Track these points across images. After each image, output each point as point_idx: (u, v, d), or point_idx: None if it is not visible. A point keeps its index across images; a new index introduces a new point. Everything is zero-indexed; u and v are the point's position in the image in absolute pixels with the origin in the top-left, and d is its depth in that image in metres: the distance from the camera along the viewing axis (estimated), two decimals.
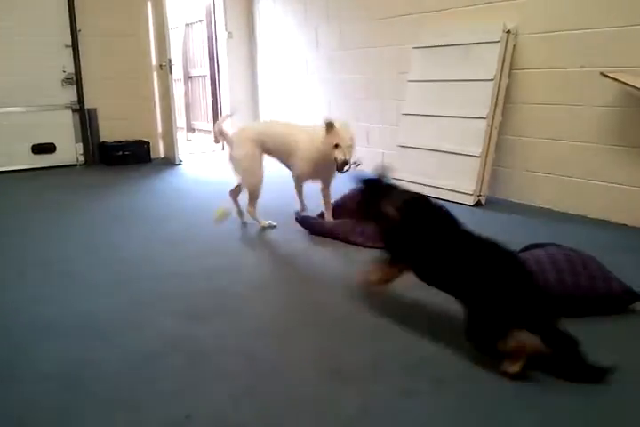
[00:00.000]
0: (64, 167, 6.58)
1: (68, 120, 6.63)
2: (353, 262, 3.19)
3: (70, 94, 6.67)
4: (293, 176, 3.88)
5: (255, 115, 7.94)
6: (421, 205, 2.32)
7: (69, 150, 6.67)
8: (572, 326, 2.29)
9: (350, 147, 3.45)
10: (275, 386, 1.93)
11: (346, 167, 3.43)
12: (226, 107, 7.90)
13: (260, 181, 3.81)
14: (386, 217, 2.26)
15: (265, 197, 3.93)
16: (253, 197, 3.83)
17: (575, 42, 3.92)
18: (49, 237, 3.82)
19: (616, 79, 3.54)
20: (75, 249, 3.55)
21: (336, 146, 3.41)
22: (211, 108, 8.58)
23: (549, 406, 1.79)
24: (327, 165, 3.54)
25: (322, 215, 3.91)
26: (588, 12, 3.82)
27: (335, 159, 3.42)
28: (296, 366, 2.07)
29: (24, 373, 2.05)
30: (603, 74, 3.59)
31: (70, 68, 6.62)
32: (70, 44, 6.57)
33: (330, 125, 3.43)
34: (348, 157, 3.40)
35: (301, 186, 3.94)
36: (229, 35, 7.62)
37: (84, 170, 6.60)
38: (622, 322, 2.36)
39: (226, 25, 7.60)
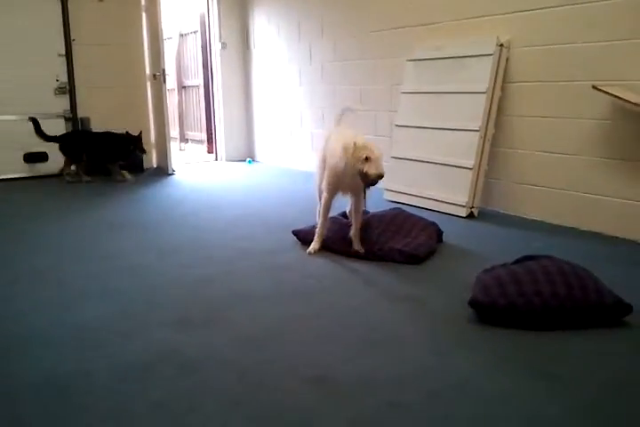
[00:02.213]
0: (56, 176, 6.54)
1: (60, 129, 6.59)
2: (346, 272, 3.18)
3: (63, 103, 6.66)
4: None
5: (249, 125, 7.96)
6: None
7: (62, 159, 6.63)
8: (565, 339, 2.30)
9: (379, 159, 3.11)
10: (263, 398, 1.91)
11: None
12: (219, 117, 7.92)
13: (318, 186, 3.67)
14: None
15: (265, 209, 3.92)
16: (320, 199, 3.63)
17: (567, 55, 3.95)
18: (39, 247, 3.79)
19: (607, 92, 3.56)
20: (65, 258, 3.52)
21: (366, 159, 3.06)
22: (204, 118, 8.59)
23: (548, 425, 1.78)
24: (353, 178, 3.23)
25: (344, 215, 3.87)
26: (579, 25, 3.86)
27: (365, 173, 3.07)
28: (285, 378, 2.04)
29: (12, 384, 2.02)
30: (594, 87, 3.62)
31: (64, 78, 6.62)
32: (64, 53, 6.57)
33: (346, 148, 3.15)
34: (381, 171, 3.06)
35: (324, 203, 3.49)
36: (223, 45, 7.65)
37: (76, 179, 6.57)
38: (614, 334, 2.35)
39: (220, 36, 7.64)
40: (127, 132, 6.30)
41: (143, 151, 6.46)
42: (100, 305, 2.74)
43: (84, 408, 1.86)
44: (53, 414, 1.84)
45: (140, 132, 6.36)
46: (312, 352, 2.25)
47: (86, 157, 6.24)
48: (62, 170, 6.32)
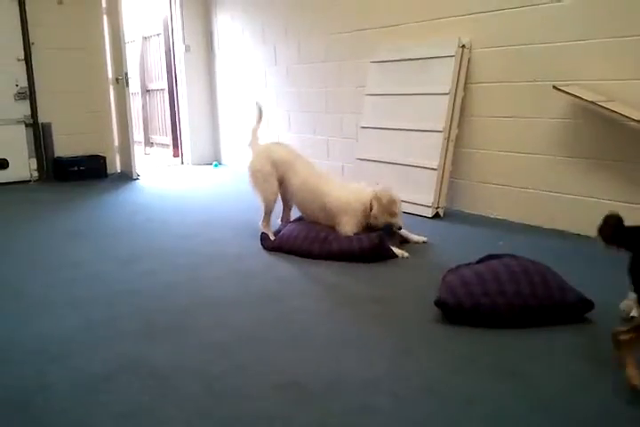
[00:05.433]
0: (17, 183, 6.41)
1: (21, 135, 6.46)
2: (312, 276, 3.17)
3: (23, 109, 6.51)
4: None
5: (214, 129, 7.90)
6: None
7: (23, 166, 6.50)
8: (530, 337, 2.33)
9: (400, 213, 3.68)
10: (232, 406, 1.89)
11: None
12: (184, 121, 7.84)
13: (274, 195, 3.89)
14: None
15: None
16: (266, 212, 3.90)
17: (527, 56, 4.00)
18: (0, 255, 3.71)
19: (568, 92, 3.62)
20: (25, 267, 3.44)
21: (392, 214, 3.59)
22: (169, 121, 8.50)
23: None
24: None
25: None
26: (539, 27, 3.91)
27: (392, 225, 3.62)
28: (253, 384, 2.03)
29: None
30: (555, 87, 3.67)
31: (23, 82, 6.48)
32: (23, 57, 6.43)
33: (380, 198, 3.58)
34: (402, 223, 3.68)
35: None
36: (187, 48, 7.58)
37: (38, 186, 6.44)
38: (577, 331, 2.38)
39: (184, 38, 7.57)
40: None
41: None
42: (63, 315, 2.68)
43: (45, 423, 1.81)
44: None
45: None
46: (281, 357, 2.24)
47: None
48: None
